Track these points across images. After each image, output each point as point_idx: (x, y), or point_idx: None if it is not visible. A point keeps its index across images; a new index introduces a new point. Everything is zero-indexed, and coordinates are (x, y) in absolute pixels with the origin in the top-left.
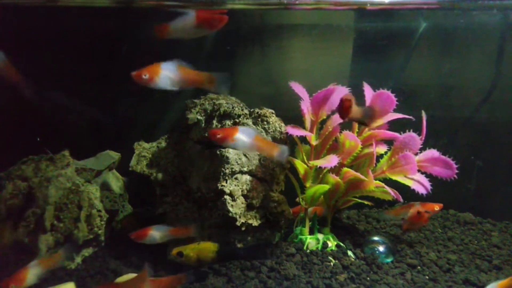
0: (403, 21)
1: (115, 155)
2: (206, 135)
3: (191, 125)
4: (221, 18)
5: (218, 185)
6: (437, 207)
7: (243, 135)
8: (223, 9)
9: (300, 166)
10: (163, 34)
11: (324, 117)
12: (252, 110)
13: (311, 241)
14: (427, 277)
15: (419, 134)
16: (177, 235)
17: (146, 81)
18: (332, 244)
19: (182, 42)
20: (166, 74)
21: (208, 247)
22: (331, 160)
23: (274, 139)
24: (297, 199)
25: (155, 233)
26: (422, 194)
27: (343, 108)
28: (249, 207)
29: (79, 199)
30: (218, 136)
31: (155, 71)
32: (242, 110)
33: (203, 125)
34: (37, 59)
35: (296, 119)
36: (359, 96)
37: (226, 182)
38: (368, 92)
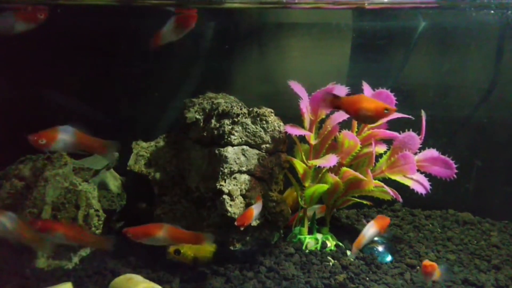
0: (402, 20)
1: None
2: (205, 134)
3: (190, 124)
4: (192, 16)
5: (217, 184)
6: None
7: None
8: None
9: (299, 166)
10: (158, 42)
11: (323, 116)
12: (251, 109)
13: (310, 241)
14: None
15: (419, 134)
16: None
17: (42, 145)
18: (331, 244)
19: (182, 42)
20: (63, 138)
21: (206, 247)
22: (330, 160)
23: (273, 139)
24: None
25: None
26: (421, 194)
27: None
28: (248, 206)
29: (77, 198)
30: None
31: (52, 136)
32: (241, 109)
33: (201, 124)
34: (36, 58)
35: (295, 118)
36: None
37: (225, 182)
38: (367, 91)
